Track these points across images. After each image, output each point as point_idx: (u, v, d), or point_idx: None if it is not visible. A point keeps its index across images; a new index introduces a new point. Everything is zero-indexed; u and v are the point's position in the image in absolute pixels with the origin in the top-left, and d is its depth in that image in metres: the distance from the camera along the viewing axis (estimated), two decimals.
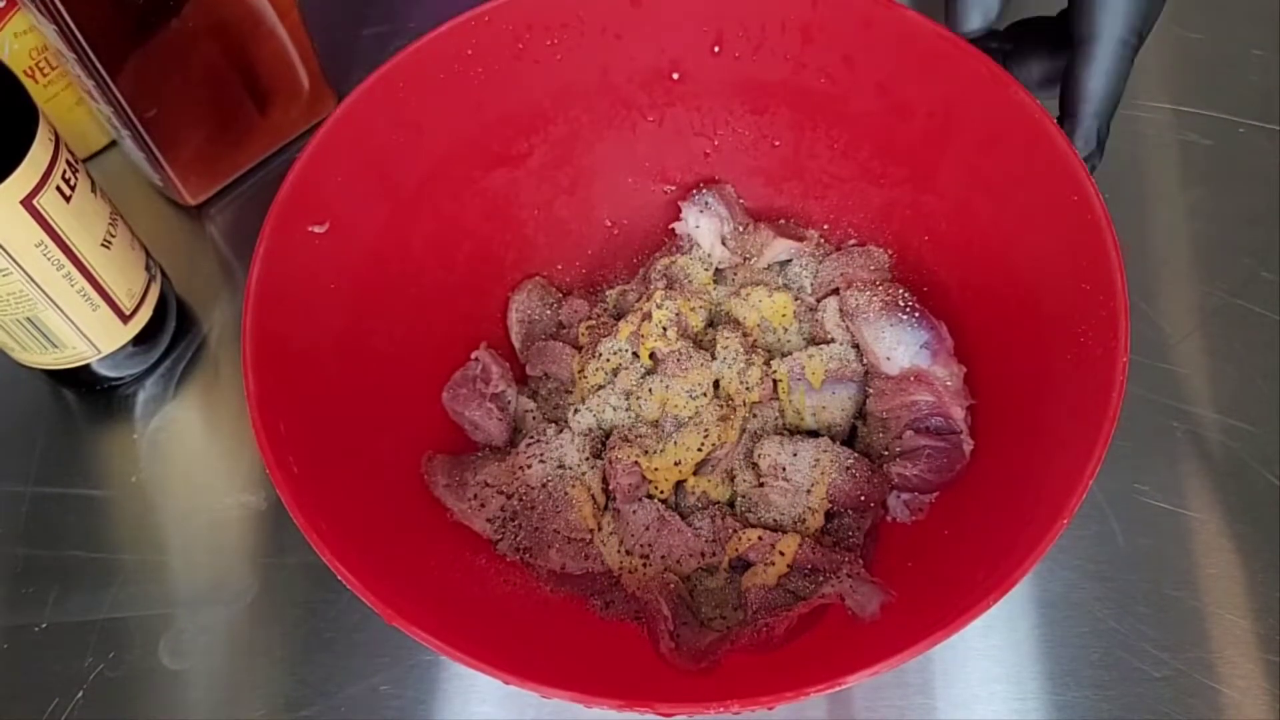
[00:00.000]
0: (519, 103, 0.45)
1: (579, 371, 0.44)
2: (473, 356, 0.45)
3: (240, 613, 0.45)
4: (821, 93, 0.44)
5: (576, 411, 0.43)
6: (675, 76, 0.46)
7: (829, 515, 0.41)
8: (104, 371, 0.49)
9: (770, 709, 0.31)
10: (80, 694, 0.43)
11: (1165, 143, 0.53)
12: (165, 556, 0.46)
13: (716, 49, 0.45)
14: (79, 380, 0.49)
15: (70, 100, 0.54)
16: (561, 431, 0.43)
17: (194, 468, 0.49)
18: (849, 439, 0.44)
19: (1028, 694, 0.42)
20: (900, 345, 0.41)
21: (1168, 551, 0.44)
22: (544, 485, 0.42)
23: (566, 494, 0.41)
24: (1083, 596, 0.43)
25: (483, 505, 0.41)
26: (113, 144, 0.57)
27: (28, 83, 0.43)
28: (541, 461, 0.42)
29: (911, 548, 0.40)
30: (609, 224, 0.49)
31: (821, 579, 0.39)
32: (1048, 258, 0.39)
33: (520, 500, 0.42)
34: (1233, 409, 0.47)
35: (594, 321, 0.47)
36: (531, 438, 0.43)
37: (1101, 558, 0.44)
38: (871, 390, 0.43)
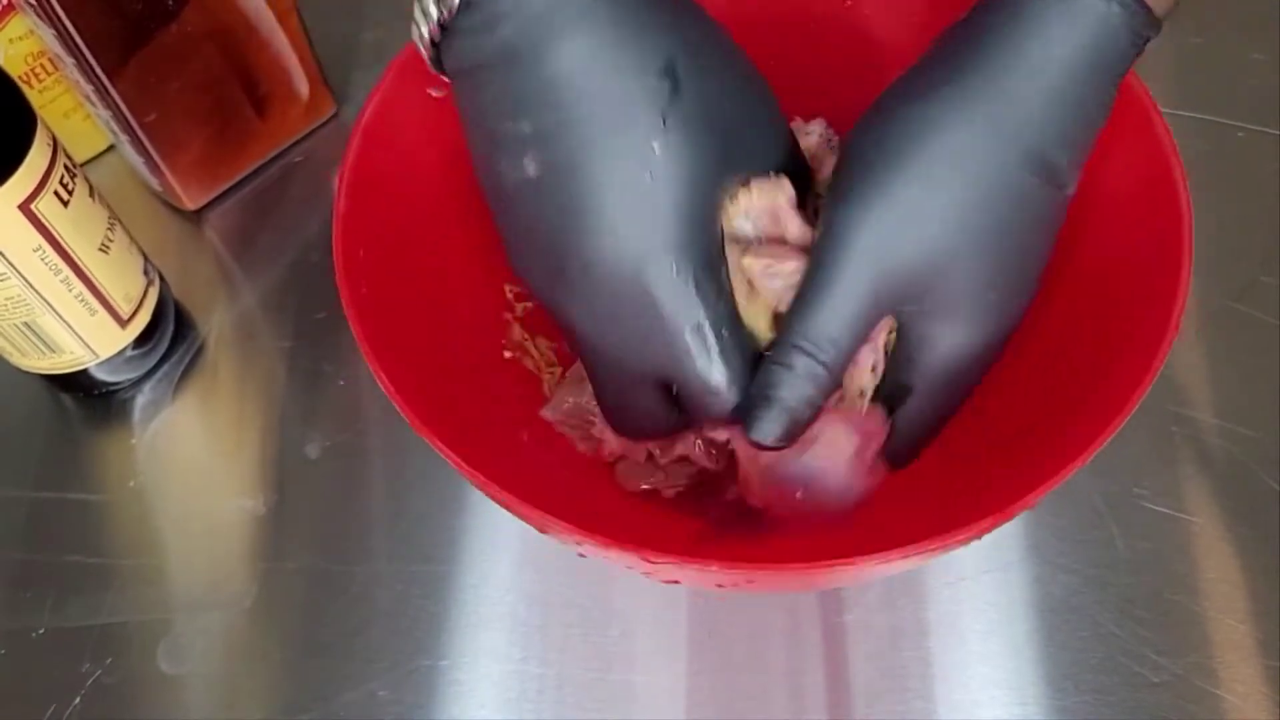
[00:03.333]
0: None
1: None
2: None
3: (238, 617, 0.44)
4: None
5: None
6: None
7: None
8: (102, 376, 0.49)
9: (751, 584, 0.30)
10: (78, 699, 0.43)
11: None
12: (163, 561, 0.46)
13: None
14: (77, 385, 0.49)
15: (67, 105, 0.54)
16: None
17: (192, 472, 0.49)
18: None
19: (1028, 699, 0.41)
20: None
21: (1167, 556, 0.44)
22: None
23: None
24: (1082, 601, 0.43)
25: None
26: (110, 148, 0.57)
27: (23, 88, 0.43)
28: None
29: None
30: None
31: None
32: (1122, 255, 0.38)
33: None
34: (1233, 413, 0.47)
35: None
36: None
37: (1101, 562, 0.44)
38: None
